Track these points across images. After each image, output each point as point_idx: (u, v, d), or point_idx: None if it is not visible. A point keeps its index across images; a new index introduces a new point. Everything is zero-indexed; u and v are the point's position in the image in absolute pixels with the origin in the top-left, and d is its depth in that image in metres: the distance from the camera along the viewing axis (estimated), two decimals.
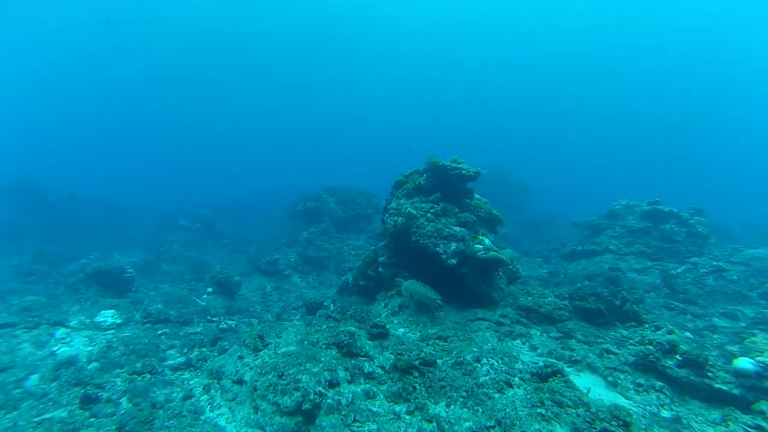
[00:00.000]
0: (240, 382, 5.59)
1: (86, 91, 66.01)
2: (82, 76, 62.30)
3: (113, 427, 5.05)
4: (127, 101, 70.03)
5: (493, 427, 4.48)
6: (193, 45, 62.97)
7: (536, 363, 5.62)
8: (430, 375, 5.37)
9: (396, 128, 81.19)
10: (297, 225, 18.77)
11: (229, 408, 5.26)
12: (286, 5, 58.84)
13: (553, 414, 4.53)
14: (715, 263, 10.12)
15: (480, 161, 9.09)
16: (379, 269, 8.81)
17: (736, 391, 4.87)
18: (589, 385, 5.53)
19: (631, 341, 6.67)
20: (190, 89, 72.74)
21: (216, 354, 7.46)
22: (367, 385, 5.22)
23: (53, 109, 67.77)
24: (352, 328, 6.50)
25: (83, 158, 65.22)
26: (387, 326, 6.68)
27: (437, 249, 7.72)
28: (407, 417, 4.70)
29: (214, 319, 9.65)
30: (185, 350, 7.69)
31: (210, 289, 11.94)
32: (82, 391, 5.96)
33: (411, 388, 5.12)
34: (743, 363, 4.92)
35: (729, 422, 4.59)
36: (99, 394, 5.87)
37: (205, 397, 5.64)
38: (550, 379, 5.21)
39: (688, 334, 6.17)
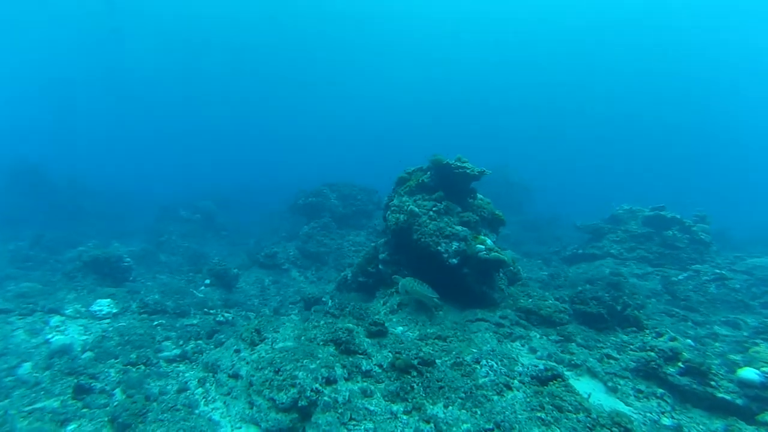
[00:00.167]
0: (236, 376, 5.52)
1: (89, 79, 65.52)
2: (85, 64, 61.83)
3: (106, 419, 4.98)
4: (129, 91, 69.67)
5: (491, 429, 4.41)
6: (196, 36, 62.57)
7: (536, 366, 5.55)
8: (428, 375, 5.30)
9: (397, 126, 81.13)
10: (297, 219, 18.69)
11: (224, 402, 5.19)
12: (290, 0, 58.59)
13: (553, 419, 4.46)
14: (717, 271, 10.04)
15: (480, 160, 8.98)
16: (380, 266, 8.73)
17: (739, 401, 4.79)
18: (588, 389, 5.46)
19: (631, 347, 6.60)
20: (193, 81, 72.36)
21: (212, 347, 7.38)
22: (365, 384, 5.14)
23: (56, 95, 67.45)
24: (351, 325, 6.42)
25: (85, 146, 65.02)
26: (386, 324, 6.60)
27: (439, 248, 7.63)
28: (404, 417, 4.63)
29: (211, 311, 9.58)
30: (181, 342, 7.62)
31: (208, 281, 11.87)
32: (76, 380, 5.89)
33: (409, 388, 5.05)
34: (748, 373, 4.84)
35: None
36: (92, 385, 5.80)
37: (200, 390, 5.56)
38: (550, 382, 5.14)
39: (689, 341, 6.11)
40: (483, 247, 7.79)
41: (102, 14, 50.94)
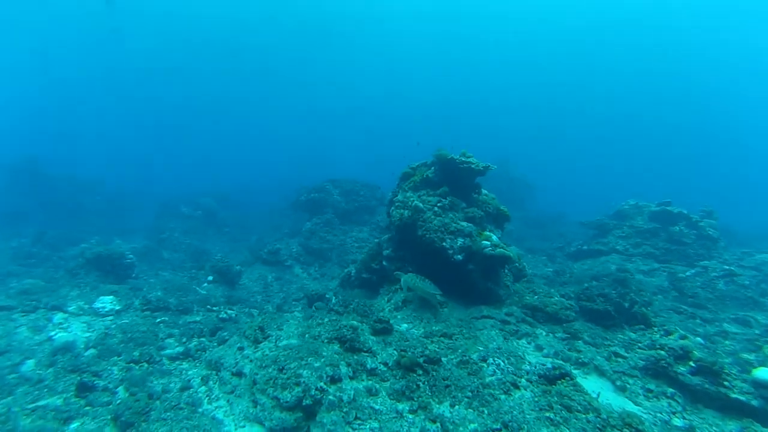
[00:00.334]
0: (239, 374, 5.45)
1: (89, 77, 65.56)
2: (86, 62, 61.82)
3: (108, 417, 4.93)
4: (130, 89, 69.65)
5: (499, 429, 4.34)
6: (196, 35, 62.34)
7: (544, 364, 5.47)
8: (434, 373, 5.22)
9: (400, 124, 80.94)
10: (299, 215, 18.61)
11: (228, 401, 5.13)
12: None
13: (562, 419, 4.38)
14: (726, 267, 9.90)
15: (482, 157, 8.86)
16: (383, 263, 8.64)
17: (755, 402, 4.68)
18: (596, 388, 5.37)
19: (639, 345, 6.51)
20: (194, 79, 72.26)
21: (215, 344, 7.33)
22: (370, 382, 5.07)
23: (57, 93, 67.39)
24: (355, 323, 6.34)
25: (86, 144, 65.10)
26: (390, 321, 6.53)
27: (443, 244, 7.53)
28: (410, 416, 4.56)
29: (214, 308, 9.53)
30: (184, 339, 7.58)
31: (210, 278, 11.81)
32: (79, 378, 5.85)
33: (414, 386, 4.97)
34: (764, 373, 4.73)
35: None
36: (95, 382, 5.76)
37: (203, 388, 5.51)
38: (558, 381, 5.06)
39: (699, 339, 5.99)
40: (488, 243, 7.69)
41: (102, 13, 50.73)
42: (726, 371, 4.95)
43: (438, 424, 4.42)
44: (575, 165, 72.34)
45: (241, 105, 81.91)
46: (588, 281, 10.19)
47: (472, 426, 4.39)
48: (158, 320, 8.37)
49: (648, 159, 74.32)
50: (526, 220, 21.99)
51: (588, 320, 7.57)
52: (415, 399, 4.79)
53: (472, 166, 8.49)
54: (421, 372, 5.23)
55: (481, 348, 6.08)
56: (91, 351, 6.83)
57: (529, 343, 6.64)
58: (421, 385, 5.01)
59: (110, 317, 8.41)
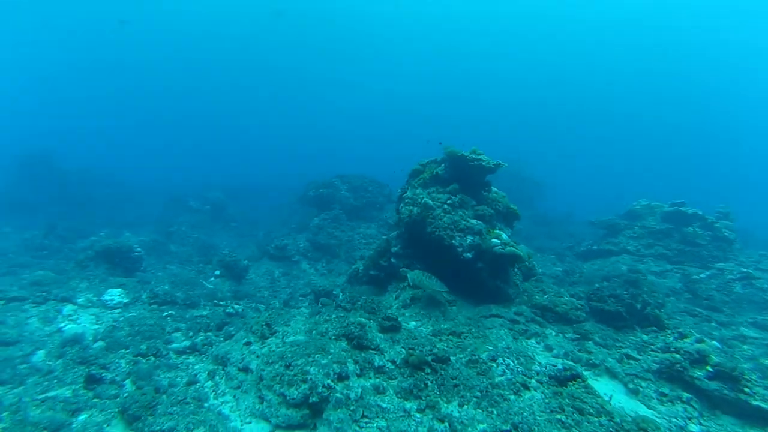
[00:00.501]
0: (246, 370, 5.43)
1: (100, 70, 66.17)
2: (96, 55, 62.36)
3: (116, 410, 4.94)
4: (140, 82, 70.21)
5: (509, 431, 4.25)
6: (208, 29, 62.52)
7: (554, 365, 5.36)
8: (442, 372, 5.15)
9: (408, 121, 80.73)
10: (307, 211, 18.58)
11: (234, 396, 5.11)
12: None
13: (574, 422, 4.28)
14: (743, 270, 9.65)
15: (491, 155, 8.72)
16: (392, 260, 8.57)
17: None
18: (608, 391, 5.25)
19: (652, 347, 6.37)
20: (204, 73, 72.63)
21: (222, 339, 7.33)
22: (377, 380, 5.01)
23: (68, 86, 68.20)
24: (363, 320, 6.28)
25: (96, 137, 65.94)
26: (398, 319, 6.46)
27: (453, 241, 7.43)
28: (418, 415, 4.50)
29: (221, 302, 9.54)
30: (191, 334, 7.58)
31: (218, 272, 11.84)
32: (87, 370, 5.88)
33: (422, 385, 4.91)
34: None
35: None
36: (103, 375, 5.78)
37: (209, 383, 5.49)
38: (569, 383, 4.95)
39: (715, 343, 5.82)
40: (498, 241, 7.58)
41: (113, 7, 51.08)
42: (746, 377, 4.79)
43: (446, 424, 4.35)
44: (581, 164, 72.06)
45: (252, 100, 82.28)
46: (598, 281, 10.02)
47: (481, 427, 4.31)
48: (165, 314, 8.39)
49: (655, 159, 73.90)
50: (535, 219, 21.76)
51: (599, 321, 7.43)
52: (423, 398, 4.72)
53: (483, 163, 8.37)
54: (429, 371, 5.16)
55: (490, 347, 5.99)
56: (99, 343, 6.87)
57: (538, 343, 6.54)
58: (430, 384, 4.94)
59: (118, 310, 8.46)
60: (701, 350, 5.26)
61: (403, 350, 5.59)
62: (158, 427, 4.45)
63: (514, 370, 5.34)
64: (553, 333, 6.93)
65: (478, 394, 4.81)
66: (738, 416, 4.65)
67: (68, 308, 8.23)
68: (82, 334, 7.16)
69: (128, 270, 10.93)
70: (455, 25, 64.53)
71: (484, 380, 5.07)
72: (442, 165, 9.08)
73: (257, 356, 5.57)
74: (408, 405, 4.65)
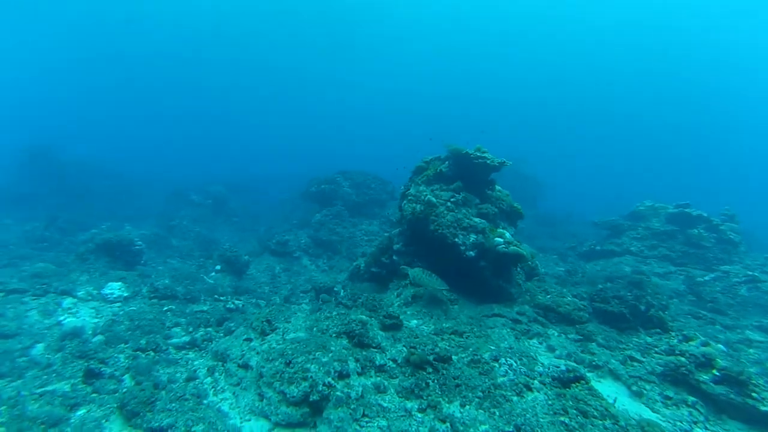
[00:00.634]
0: (245, 366, 5.38)
1: (102, 64, 65.96)
2: (99, 48, 62.17)
3: (114, 405, 4.89)
4: (143, 76, 70.06)
5: None
6: (211, 24, 62.26)
7: (557, 366, 5.29)
8: (444, 372, 5.09)
9: (410, 119, 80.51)
10: (309, 207, 18.51)
11: (233, 393, 5.06)
12: None
13: (578, 424, 4.21)
14: (749, 273, 9.55)
15: (494, 154, 8.63)
16: (394, 257, 8.49)
17: None
18: (611, 393, 5.19)
19: (656, 349, 6.31)
20: (207, 68, 72.40)
21: (222, 335, 7.28)
22: (378, 379, 4.96)
23: (70, 80, 68.04)
24: (364, 317, 6.22)
25: (97, 130, 65.83)
26: (400, 317, 6.40)
27: (456, 240, 7.36)
28: (419, 415, 4.44)
29: (221, 298, 9.49)
30: (191, 329, 7.53)
31: (218, 267, 11.79)
32: (86, 364, 5.83)
33: (424, 385, 4.85)
34: None
35: None
36: (102, 370, 5.73)
37: (209, 379, 5.45)
38: (573, 384, 4.89)
39: (720, 346, 5.75)
40: (502, 240, 7.50)
41: (115, 0, 50.88)
42: (753, 382, 4.71)
43: (448, 424, 4.29)
44: (581, 164, 71.73)
45: (256, 96, 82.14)
46: (602, 282, 9.95)
47: (483, 427, 4.25)
48: (165, 308, 8.34)
49: (655, 159, 73.75)
50: (537, 218, 21.64)
51: (602, 322, 7.37)
52: (425, 397, 4.66)
53: (487, 161, 8.28)
54: (431, 370, 5.10)
55: (492, 347, 5.93)
56: (99, 337, 6.83)
57: (540, 344, 6.48)
58: (431, 383, 4.88)
59: (118, 304, 8.41)
60: (707, 353, 5.19)
61: (404, 349, 5.53)
62: (157, 424, 4.40)
63: (517, 370, 5.28)
64: (556, 333, 6.87)
65: (481, 394, 4.75)
66: (745, 421, 4.58)
67: (68, 301, 8.19)
68: (82, 327, 7.11)
69: (129, 263, 10.89)
70: (457, 26, 64.57)
71: (487, 380, 5.01)
72: (446, 162, 8.99)
73: (257, 353, 5.52)
74: (409, 404, 4.59)
